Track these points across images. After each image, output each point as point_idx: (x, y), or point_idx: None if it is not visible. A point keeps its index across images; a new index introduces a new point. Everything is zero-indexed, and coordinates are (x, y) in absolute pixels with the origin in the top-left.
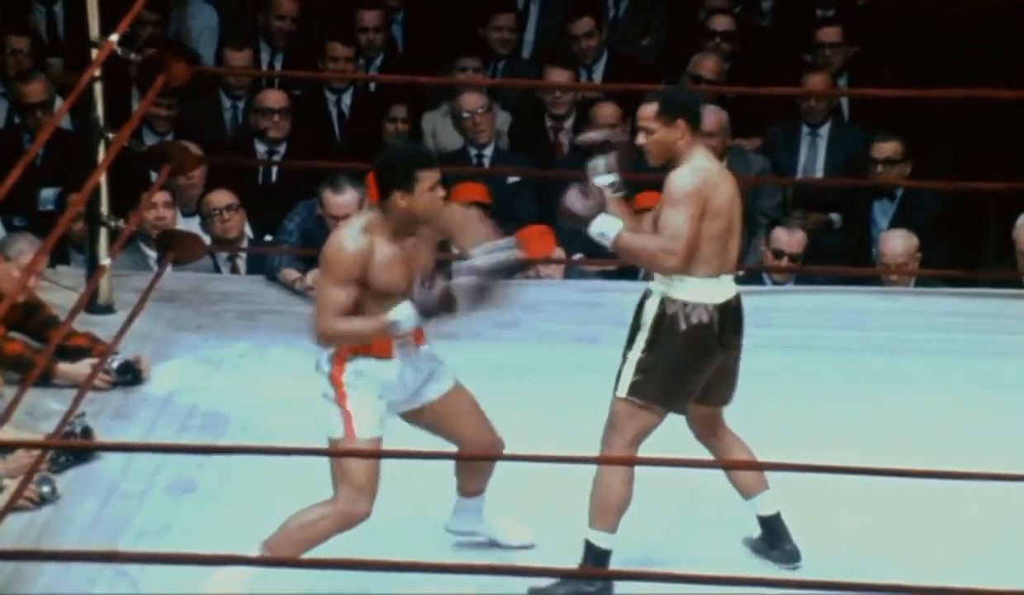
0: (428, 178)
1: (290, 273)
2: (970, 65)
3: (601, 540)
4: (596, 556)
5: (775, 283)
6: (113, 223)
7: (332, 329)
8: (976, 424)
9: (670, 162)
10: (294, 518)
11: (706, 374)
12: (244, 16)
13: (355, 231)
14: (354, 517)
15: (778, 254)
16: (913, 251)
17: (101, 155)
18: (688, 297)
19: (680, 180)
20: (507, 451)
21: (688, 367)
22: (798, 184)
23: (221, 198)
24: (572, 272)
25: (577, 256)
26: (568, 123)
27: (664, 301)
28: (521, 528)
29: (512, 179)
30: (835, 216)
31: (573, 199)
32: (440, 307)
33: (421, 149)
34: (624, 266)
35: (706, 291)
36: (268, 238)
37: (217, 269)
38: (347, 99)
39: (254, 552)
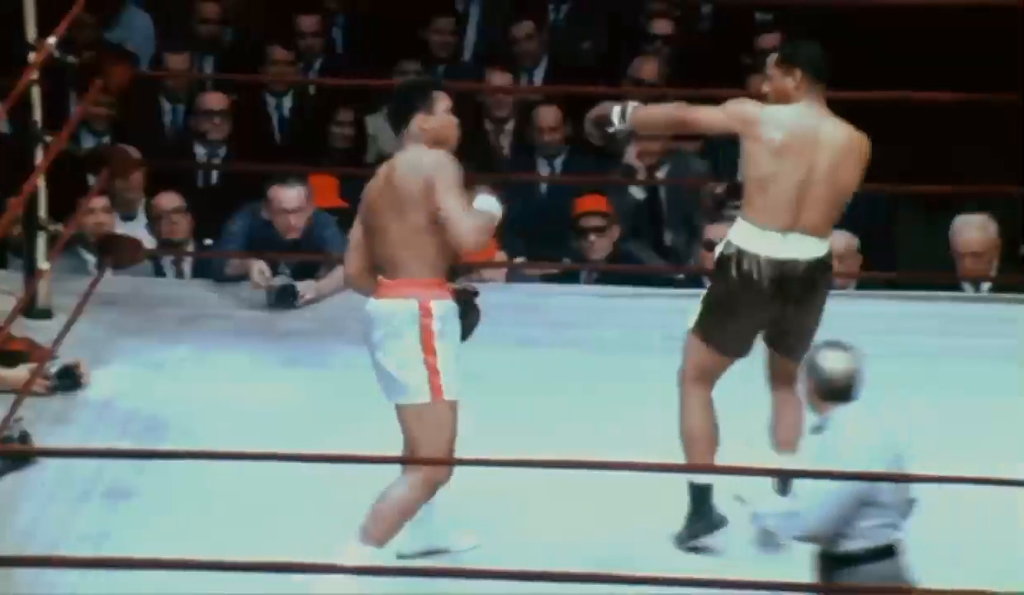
0: (443, 99)
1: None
2: (911, 67)
3: (698, 476)
4: (698, 491)
5: None
6: (51, 227)
7: (474, 226)
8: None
9: None
10: (388, 501)
11: (756, 322)
12: (178, 21)
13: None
14: (439, 485)
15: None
16: (853, 251)
17: (39, 159)
18: (742, 244)
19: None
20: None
21: (734, 312)
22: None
23: (168, 201)
24: (514, 275)
25: (519, 260)
26: (508, 126)
27: (727, 243)
28: (466, 533)
29: None
30: None
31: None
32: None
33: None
34: (565, 269)
35: (761, 243)
36: (208, 241)
37: (162, 273)
38: (287, 102)
39: (352, 543)
